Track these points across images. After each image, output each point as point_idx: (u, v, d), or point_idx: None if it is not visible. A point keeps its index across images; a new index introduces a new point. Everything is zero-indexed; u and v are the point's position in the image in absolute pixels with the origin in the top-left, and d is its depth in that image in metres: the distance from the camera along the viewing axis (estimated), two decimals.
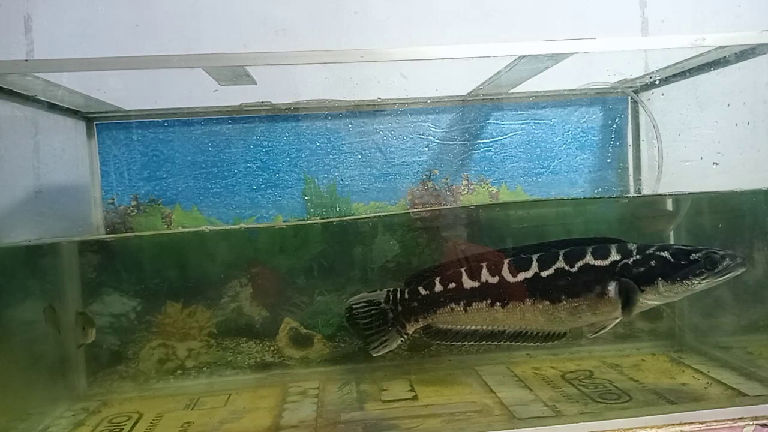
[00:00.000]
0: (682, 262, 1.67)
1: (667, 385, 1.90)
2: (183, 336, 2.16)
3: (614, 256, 1.73)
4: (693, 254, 1.67)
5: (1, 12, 2.06)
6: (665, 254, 1.70)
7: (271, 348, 2.19)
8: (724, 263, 1.64)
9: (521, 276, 1.81)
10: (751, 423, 1.61)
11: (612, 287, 1.71)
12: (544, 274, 1.79)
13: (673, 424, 1.59)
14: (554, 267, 1.78)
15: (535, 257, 1.81)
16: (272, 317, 2.20)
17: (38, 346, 1.98)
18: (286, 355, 2.19)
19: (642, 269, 1.69)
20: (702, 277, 1.65)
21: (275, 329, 2.19)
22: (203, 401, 2.01)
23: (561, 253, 1.79)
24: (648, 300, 1.70)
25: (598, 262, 1.74)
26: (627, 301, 1.69)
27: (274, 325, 2.19)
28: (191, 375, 2.16)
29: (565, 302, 1.76)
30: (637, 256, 1.72)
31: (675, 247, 1.73)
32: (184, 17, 2.12)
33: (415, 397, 1.92)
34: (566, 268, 1.76)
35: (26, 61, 1.76)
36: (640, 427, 1.60)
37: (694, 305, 2.25)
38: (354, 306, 1.97)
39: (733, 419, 1.62)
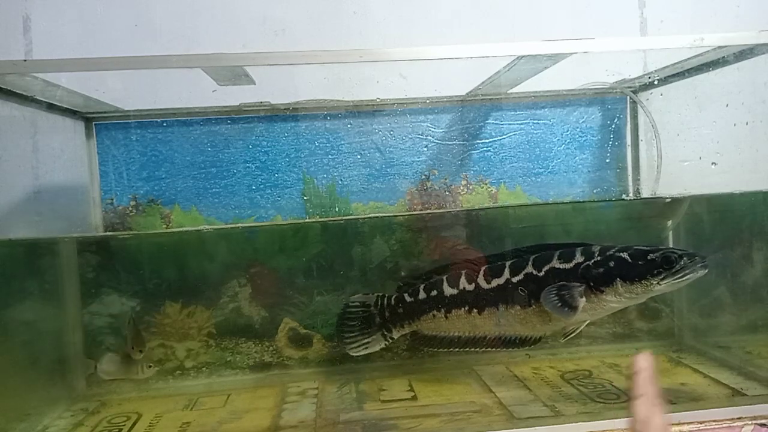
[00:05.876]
0: (640, 263, 1.67)
1: (666, 384, 1.89)
2: (182, 336, 2.16)
3: (578, 259, 1.74)
4: (650, 254, 1.67)
5: (0, 12, 2.06)
6: (624, 255, 1.70)
7: (270, 348, 2.19)
8: (681, 263, 1.63)
9: (494, 283, 1.84)
10: (750, 423, 1.61)
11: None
12: (515, 279, 1.81)
13: (672, 424, 1.59)
14: (524, 272, 1.80)
15: (507, 263, 1.84)
16: (271, 317, 2.20)
17: (37, 346, 1.98)
18: (285, 356, 2.19)
19: (601, 270, 1.70)
20: (660, 278, 1.64)
21: (274, 329, 2.18)
22: (202, 401, 2.01)
23: (531, 258, 1.81)
24: (610, 301, 1.71)
25: (563, 266, 1.75)
26: (567, 302, 1.70)
27: (273, 325, 2.19)
28: (190, 375, 2.16)
29: (535, 306, 1.77)
30: (598, 258, 1.72)
31: (635, 247, 1.73)
32: (184, 17, 2.12)
33: (414, 397, 1.92)
34: (534, 272, 1.78)
35: (25, 61, 1.76)
36: None
37: (694, 305, 2.25)
38: (350, 304, 2.00)
39: (732, 419, 1.62)
